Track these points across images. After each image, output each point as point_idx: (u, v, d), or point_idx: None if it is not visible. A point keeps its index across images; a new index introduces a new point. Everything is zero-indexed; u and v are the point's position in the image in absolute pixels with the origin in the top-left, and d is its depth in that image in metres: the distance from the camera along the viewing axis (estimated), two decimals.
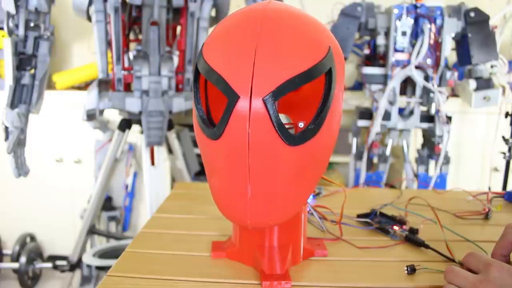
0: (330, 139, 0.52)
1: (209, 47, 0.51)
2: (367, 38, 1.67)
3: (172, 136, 1.58)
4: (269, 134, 0.46)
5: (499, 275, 0.44)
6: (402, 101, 1.57)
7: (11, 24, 1.31)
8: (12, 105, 1.32)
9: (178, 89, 1.48)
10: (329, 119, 0.50)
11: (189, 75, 1.49)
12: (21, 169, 1.35)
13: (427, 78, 1.51)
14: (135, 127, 1.56)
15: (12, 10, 1.28)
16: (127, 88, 1.44)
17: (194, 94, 0.52)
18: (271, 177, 0.48)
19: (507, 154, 1.65)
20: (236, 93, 0.45)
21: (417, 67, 1.49)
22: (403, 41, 1.49)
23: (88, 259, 1.58)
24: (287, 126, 0.49)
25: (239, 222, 0.51)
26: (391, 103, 1.53)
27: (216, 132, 0.48)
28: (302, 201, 0.54)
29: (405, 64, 1.50)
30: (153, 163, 1.44)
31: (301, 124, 0.53)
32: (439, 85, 1.51)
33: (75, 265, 1.66)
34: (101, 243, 1.84)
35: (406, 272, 0.55)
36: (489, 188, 1.02)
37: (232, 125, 0.46)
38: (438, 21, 1.47)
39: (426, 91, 1.51)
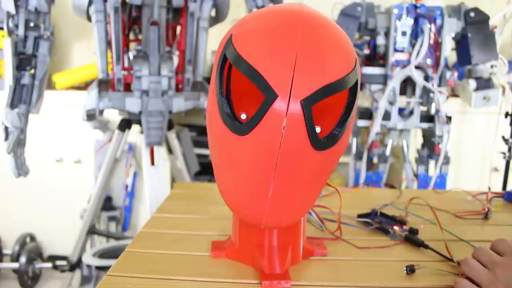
0: (344, 145, 0.53)
1: (241, 37, 0.49)
2: (367, 38, 1.67)
3: (172, 136, 1.58)
4: (301, 137, 0.46)
5: (505, 275, 0.45)
6: (402, 101, 1.57)
7: (11, 24, 1.31)
8: (12, 105, 1.32)
9: (178, 89, 1.48)
10: (348, 127, 0.52)
11: (189, 75, 1.49)
12: (21, 169, 1.35)
13: (427, 78, 1.50)
14: (135, 127, 1.56)
15: (12, 10, 1.28)
16: (127, 88, 1.44)
17: (218, 85, 0.51)
18: (294, 179, 0.49)
19: (507, 154, 1.66)
20: (275, 92, 0.45)
21: (417, 67, 1.49)
22: (403, 41, 1.49)
23: (88, 259, 1.58)
24: None
25: (254, 220, 0.52)
26: (391, 103, 1.53)
27: (245, 128, 0.47)
28: (313, 202, 0.55)
29: (405, 64, 1.50)
30: (153, 163, 1.44)
31: (318, 129, 0.53)
32: (439, 85, 1.51)
33: (75, 265, 1.66)
34: (101, 243, 1.84)
35: (406, 272, 0.55)
36: (489, 188, 1.02)
37: (265, 123, 0.46)
38: (438, 21, 1.47)
39: (426, 91, 1.51)
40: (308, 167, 0.49)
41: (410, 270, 0.55)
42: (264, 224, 0.51)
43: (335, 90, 0.46)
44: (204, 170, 1.86)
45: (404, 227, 0.69)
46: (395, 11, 1.47)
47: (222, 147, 0.52)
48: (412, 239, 0.65)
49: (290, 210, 0.51)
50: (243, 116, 0.48)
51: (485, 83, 1.52)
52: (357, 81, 0.50)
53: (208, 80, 1.64)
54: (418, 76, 1.49)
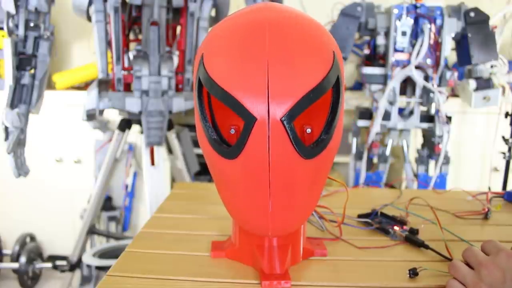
0: (337, 144, 0.53)
1: (212, 58, 0.48)
2: (367, 38, 1.67)
3: (172, 136, 1.58)
4: (288, 151, 0.46)
5: (487, 273, 0.46)
6: (402, 101, 1.57)
7: (11, 24, 1.31)
8: (12, 105, 1.32)
9: (178, 89, 1.48)
10: (338, 126, 0.51)
11: (189, 75, 1.49)
12: (21, 169, 1.35)
13: (427, 78, 1.50)
14: (135, 127, 1.56)
15: (12, 10, 1.28)
16: (127, 88, 1.44)
17: (200, 112, 0.50)
18: (290, 191, 0.49)
19: (507, 154, 1.65)
20: (253, 116, 0.44)
21: (417, 67, 1.49)
22: (403, 41, 1.49)
23: (88, 259, 1.58)
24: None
25: (260, 233, 0.53)
26: (391, 103, 1.53)
27: (232, 153, 0.47)
28: (315, 205, 0.55)
29: (405, 64, 1.50)
30: (153, 163, 1.44)
31: (308, 130, 0.53)
32: (439, 85, 1.51)
33: (75, 265, 1.66)
34: (101, 243, 1.84)
35: (409, 276, 0.54)
36: (489, 188, 1.02)
37: (251, 146, 0.46)
38: (438, 21, 1.47)
39: (426, 91, 1.51)
40: (302, 177, 0.49)
41: (413, 273, 0.54)
42: (271, 235, 0.52)
43: (315, 97, 0.45)
44: (204, 170, 1.86)
45: (404, 227, 0.69)
46: (395, 11, 1.47)
47: (216, 168, 0.53)
48: (412, 239, 0.65)
49: (293, 219, 0.52)
50: (232, 131, 0.48)
51: (485, 83, 1.52)
52: (338, 77, 0.48)
53: None
54: (418, 76, 1.49)
